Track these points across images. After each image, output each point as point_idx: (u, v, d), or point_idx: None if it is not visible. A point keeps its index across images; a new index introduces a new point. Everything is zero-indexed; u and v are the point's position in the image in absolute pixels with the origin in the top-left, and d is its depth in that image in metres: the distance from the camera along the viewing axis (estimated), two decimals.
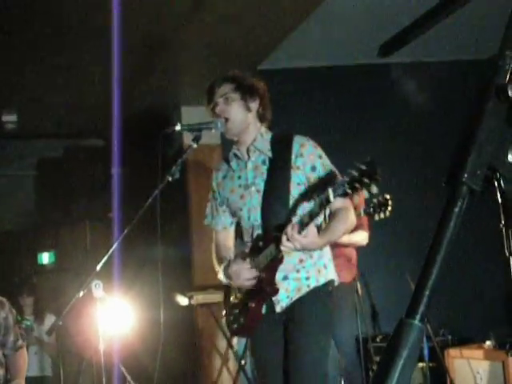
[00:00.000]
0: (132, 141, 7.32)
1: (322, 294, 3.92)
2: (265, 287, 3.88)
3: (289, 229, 3.64)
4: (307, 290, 3.89)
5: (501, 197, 1.36)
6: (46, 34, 6.11)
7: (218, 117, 3.97)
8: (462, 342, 6.63)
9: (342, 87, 7.70)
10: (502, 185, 1.33)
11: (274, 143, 4.00)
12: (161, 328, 3.92)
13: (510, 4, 1.38)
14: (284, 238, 3.66)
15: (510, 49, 1.33)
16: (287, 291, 3.90)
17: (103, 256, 3.90)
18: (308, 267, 3.91)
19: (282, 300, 3.91)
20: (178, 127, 3.92)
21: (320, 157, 3.93)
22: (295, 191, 3.88)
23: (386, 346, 1.21)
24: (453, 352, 6.35)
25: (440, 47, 7.47)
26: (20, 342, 5.46)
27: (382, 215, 5.82)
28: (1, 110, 8.06)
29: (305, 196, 3.87)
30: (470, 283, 7.33)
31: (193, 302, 6.98)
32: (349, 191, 3.49)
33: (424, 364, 6.23)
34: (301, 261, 3.91)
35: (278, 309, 3.92)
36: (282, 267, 3.87)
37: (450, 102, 7.51)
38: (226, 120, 3.96)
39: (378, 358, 6.54)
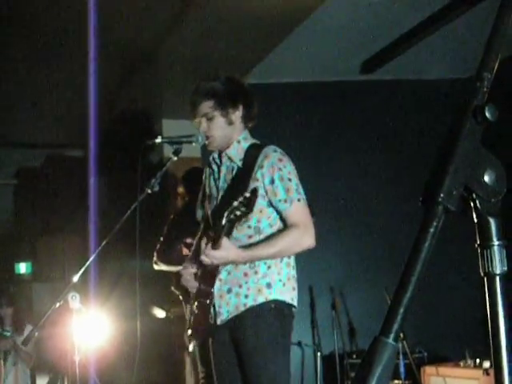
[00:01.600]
0: (112, 152, 7.31)
1: (262, 312, 3.84)
2: (200, 292, 3.90)
3: (202, 244, 3.70)
4: (243, 309, 3.85)
5: (476, 217, 1.37)
6: (25, 45, 6.10)
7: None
8: (438, 359, 6.64)
9: (324, 103, 7.73)
10: (478, 205, 1.35)
11: (248, 152, 3.99)
12: (137, 340, 3.90)
13: (489, 26, 1.39)
14: (202, 255, 3.72)
15: (488, 71, 1.34)
16: (228, 305, 3.88)
17: (80, 267, 3.89)
18: (250, 284, 3.86)
19: (222, 313, 3.89)
20: (158, 139, 3.92)
21: (280, 169, 3.86)
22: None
23: (360, 363, 1.21)
24: (429, 370, 6.35)
25: (422, 65, 7.52)
26: None
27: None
28: None
29: None
30: (446, 301, 7.36)
31: (170, 314, 6.95)
32: (232, 217, 3.62)
33: (400, 381, 6.23)
34: (245, 275, 3.87)
35: (219, 321, 3.90)
36: (228, 278, 3.87)
37: (430, 120, 7.55)
38: (208, 137, 3.97)
39: (353, 375, 6.54)
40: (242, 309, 3.84)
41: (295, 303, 3.96)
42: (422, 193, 1.28)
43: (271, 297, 3.85)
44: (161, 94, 7.53)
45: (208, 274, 3.88)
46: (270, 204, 3.88)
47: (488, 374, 5.70)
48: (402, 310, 1.22)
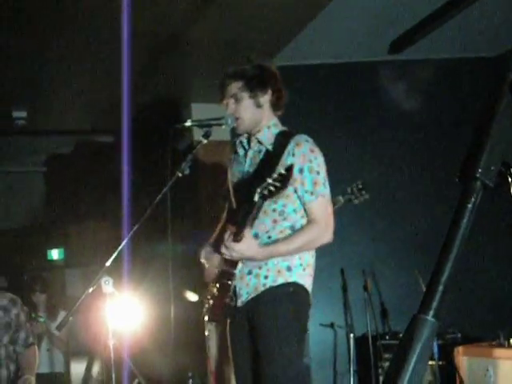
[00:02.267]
0: (142, 138, 7.32)
1: (279, 295, 3.85)
2: (223, 274, 3.91)
3: (226, 236, 3.69)
4: (262, 289, 3.86)
5: None
6: (57, 32, 6.11)
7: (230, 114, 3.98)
8: (472, 340, 6.61)
9: (354, 84, 7.69)
10: None
11: (278, 138, 3.98)
12: (171, 324, 3.92)
13: None
14: (222, 246, 3.72)
15: None
16: (247, 287, 3.90)
17: (113, 252, 3.90)
18: (270, 265, 3.87)
19: (242, 295, 3.90)
20: (188, 123, 3.93)
21: (311, 161, 3.86)
22: None
23: (400, 341, 1.21)
24: (462, 350, 6.32)
25: (450, 44, 7.45)
26: (31, 339, 5.51)
27: (361, 199, 5.81)
28: (11, 106, 8.07)
29: None
30: (479, 281, 7.31)
31: (203, 298, 6.95)
32: (266, 193, 3.62)
33: (434, 362, 6.22)
34: None
35: (239, 303, 3.91)
36: (249, 261, 3.86)
37: (461, 99, 7.49)
38: (237, 119, 3.96)
39: (387, 356, 6.53)
40: (262, 289, 3.86)
41: (310, 290, 3.97)
42: (459, 169, 1.27)
43: (291, 279, 3.87)
44: (190, 79, 7.53)
45: None
46: (296, 191, 3.88)
47: None
48: (440, 288, 1.21)
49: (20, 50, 6.46)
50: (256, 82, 3.97)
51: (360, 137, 7.59)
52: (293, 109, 4.22)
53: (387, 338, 6.73)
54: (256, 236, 3.84)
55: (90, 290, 3.95)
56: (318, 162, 3.90)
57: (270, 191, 3.61)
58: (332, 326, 6.91)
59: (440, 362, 6.25)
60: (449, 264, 1.21)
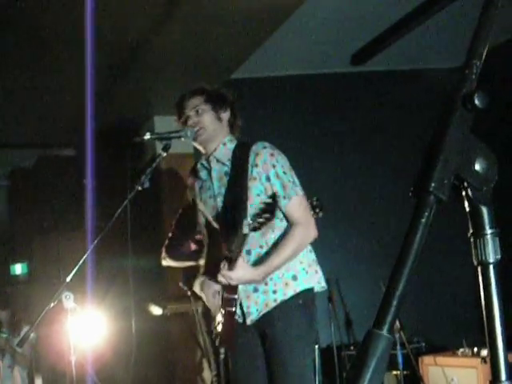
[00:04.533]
0: (104, 151, 7.28)
1: (291, 308, 3.89)
2: (225, 301, 3.90)
3: (221, 266, 3.70)
4: (274, 304, 3.89)
5: (469, 206, 1.36)
6: (19, 44, 6.07)
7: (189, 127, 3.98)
8: (436, 349, 6.65)
9: (314, 96, 7.72)
10: (470, 194, 1.33)
11: (236, 153, 4.00)
12: (133, 339, 3.90)
13: (476, 14, 1.38)
14: (219, 275, 3.75)
15: (477, 58, 1.33)
16: (256, 304, 3.91)
17: (75, 267, 3.88)
18: (276, 279, 3.90)
19: (252, 313, 3.91)
20: (147, 136, 3.91)
21: (274, 166, 3.89)
22: (257, 201, 3.85)
23: (355, 357, 1.20)
24: (427, 359, 6.36)
25: (415, 55, 7.51)
26: None
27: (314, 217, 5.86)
28: None
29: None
30: (442, 290, 7.36)
31: (167, 311, 6.93)
32: (256, 225, 3.68)
33: (398, 372, 6.24)
34: None
35: (249, 321, 3.92)
36: None
37: (423, 110, 7.54)
38: (199, 129, 3.96)
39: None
40: (273, 304, 3.89)
41: (323, 284, 4.05)
42: (412, 183, 1.27)
43: (299, 288, 3.91)
44: (152, 91, 7.51)
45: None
46: None
47: (486, 362, 5.71)
48: (395, 302, 1.21)
49: None
50: (217, 98, 4.05)
51: (324, 148, 7.61)
52: (255, 121, 4.24)
53: (352, 348, 6.75)
54: (248, 252, 3.88)
55: (51, 305, 3.92)
56: (281, 164, 3.93)
57: (259, 223, 3.66)
58: None
59: (404, 372, 6.27)
60: (403, 278, 1.21)
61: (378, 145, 7.69)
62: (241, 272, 3.72)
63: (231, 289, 3.86)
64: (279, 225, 3.95)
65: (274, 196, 3.73)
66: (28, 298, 8.82)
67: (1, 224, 10.11)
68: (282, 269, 3.88)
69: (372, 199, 7.56)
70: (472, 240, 1.36)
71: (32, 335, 4.09)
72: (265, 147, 3.95)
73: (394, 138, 7.71)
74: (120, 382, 6.51)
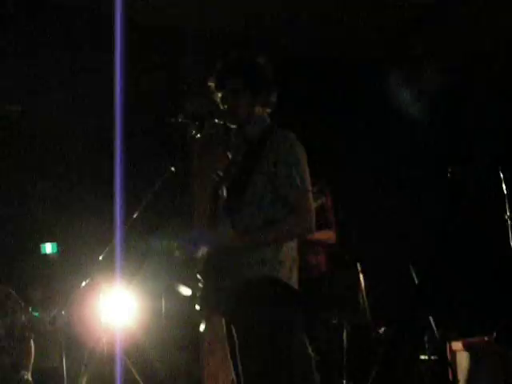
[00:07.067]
0: (137, 133, 7.31)
1: (253, 291, 3.71)
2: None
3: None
4: (235, 286, 3.76)
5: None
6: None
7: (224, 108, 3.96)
8: (465, 335, 6.62)
9: None
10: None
11: (262, 134, 3.93)
12: (163, 319, 3.93)
13: None
14: None
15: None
16: (224, 283, 3.85)
17: (106, 246, 3.91)
18: (243, 260, 3.75)
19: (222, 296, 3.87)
20: (180, 117, 3.91)
21: (287, 156, 3.80)
22: (259, 181, 3.78)
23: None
24: (455, 345, 6.34)
25: None
26: (27, 333, 5.51)
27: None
28: None
29: None
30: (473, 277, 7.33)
31: (196, 291, 6.93)
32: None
33: (426, 357, 6.22)
34: (239, 252, 3.75)
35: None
36: (223, 257, 3.80)
37: None
38: (232, 113, 3.94)
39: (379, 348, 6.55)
40: (235, 286, 3.76)
41: (293, 285, 3.82)
42: None
43: (266, 273, 3.74)
44: (185, 74, 7.51)
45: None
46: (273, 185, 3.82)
47: None
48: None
49: None
50: (253, 78, 3.94)
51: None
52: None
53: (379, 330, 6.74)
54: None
55: (83, 284, 3.96)
56: (296, 155, 3.82)
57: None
58: None
59: (432, 357, 6.26)
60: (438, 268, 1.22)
61: None
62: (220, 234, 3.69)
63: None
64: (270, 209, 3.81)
65: (277, 184, 3.67)
66: (59, 277, 8.90)
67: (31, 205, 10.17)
68: (255, 252, 3.75)
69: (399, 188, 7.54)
70: (509, 223, 1.36)
71: (63, 314, 4.13)
72: (287, 136, 3.86)
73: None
74: (150, 360, 6.56)
